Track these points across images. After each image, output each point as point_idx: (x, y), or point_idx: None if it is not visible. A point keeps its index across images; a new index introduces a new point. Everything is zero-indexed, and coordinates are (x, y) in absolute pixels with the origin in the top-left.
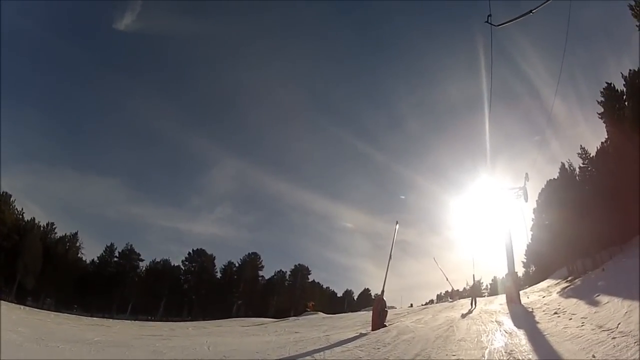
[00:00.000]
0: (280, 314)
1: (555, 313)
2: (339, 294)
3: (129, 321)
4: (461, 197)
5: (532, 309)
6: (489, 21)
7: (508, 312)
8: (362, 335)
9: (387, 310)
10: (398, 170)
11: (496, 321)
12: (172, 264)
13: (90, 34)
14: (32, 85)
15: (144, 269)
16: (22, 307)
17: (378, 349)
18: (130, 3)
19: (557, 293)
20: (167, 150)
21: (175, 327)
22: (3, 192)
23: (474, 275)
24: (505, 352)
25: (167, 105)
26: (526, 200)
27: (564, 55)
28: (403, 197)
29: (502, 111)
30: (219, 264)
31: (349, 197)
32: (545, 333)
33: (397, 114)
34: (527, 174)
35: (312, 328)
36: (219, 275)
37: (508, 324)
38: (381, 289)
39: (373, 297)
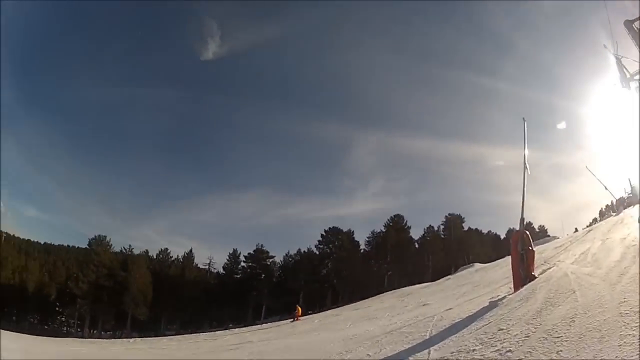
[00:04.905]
0: (438, 274)
1: None
2: (502, 236)
3: (257, 327)
4: (595, 102)
5: None
6: None
7: None
8: (491, 306)
9: (533, 250)
10: (527, 96)
11: None
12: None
13: (183, 75)
14: (150, 134)
15: (277, 266)
16: (130, 339)
17: None
18: (207, 31)
19: None
20: (303, 148)
21: (298, 325)
22: (97, 235)
23: (629, 179)
24: None
25: (285, 107)
26: None
27: None
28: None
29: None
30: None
31: (492, 136)
32: None
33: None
34: None
35: (452, 292)
36: (363, 249)
37: None
38: (520, 217)
39: (537, 230)
